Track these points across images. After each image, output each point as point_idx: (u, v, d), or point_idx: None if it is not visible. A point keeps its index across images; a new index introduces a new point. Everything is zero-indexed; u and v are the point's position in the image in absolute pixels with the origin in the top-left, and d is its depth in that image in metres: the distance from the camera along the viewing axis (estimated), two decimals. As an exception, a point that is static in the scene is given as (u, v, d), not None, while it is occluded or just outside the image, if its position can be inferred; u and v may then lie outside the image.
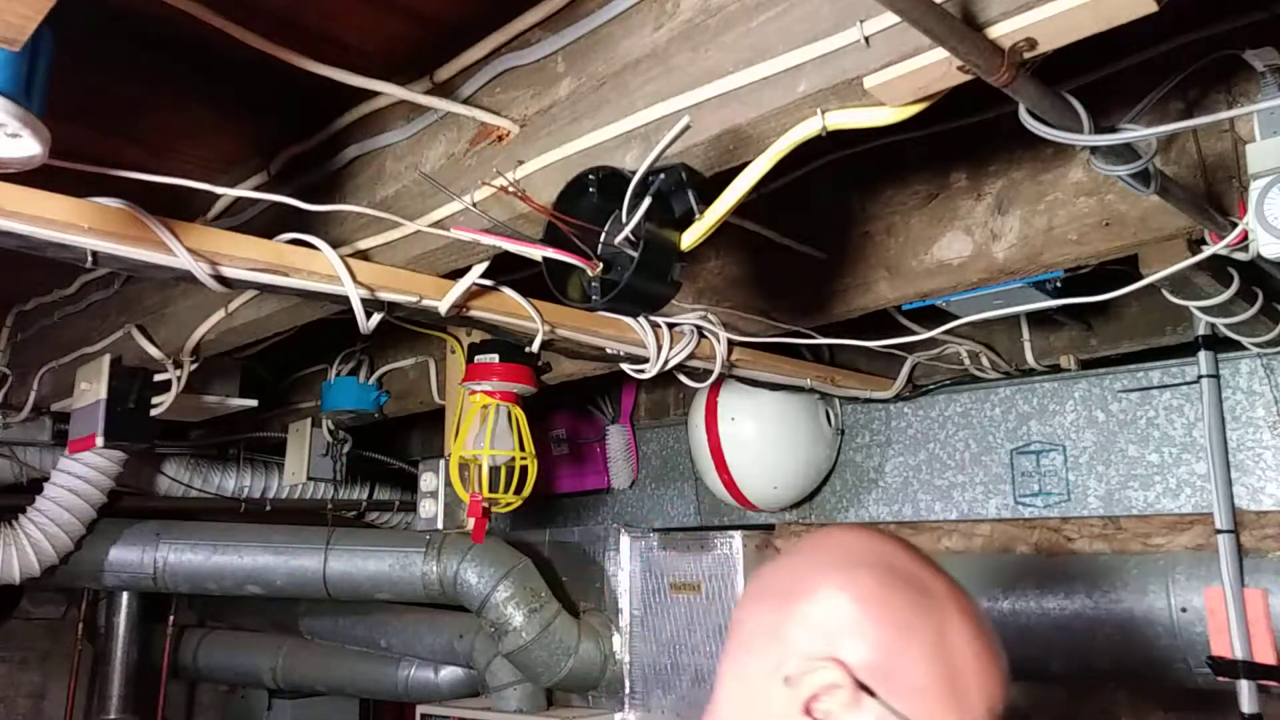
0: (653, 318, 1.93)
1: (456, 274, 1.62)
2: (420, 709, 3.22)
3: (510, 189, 1.33)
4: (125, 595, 3.79)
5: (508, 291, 1.71)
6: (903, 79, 1.04)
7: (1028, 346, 2.49)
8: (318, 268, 1.48)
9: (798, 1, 1.13)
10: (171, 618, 3.97)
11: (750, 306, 2.21)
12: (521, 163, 1.40)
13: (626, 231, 1.21)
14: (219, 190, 1.55)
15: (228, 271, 1.41)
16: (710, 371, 2.09)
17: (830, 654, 0.80)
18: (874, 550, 0.87)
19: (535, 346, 1.80)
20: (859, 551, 0.87)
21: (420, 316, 1.68)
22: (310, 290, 1.50)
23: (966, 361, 2.52)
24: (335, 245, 1.51)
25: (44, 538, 2.71)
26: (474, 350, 2.26)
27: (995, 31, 0.96)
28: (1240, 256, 1.62)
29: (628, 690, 2.95)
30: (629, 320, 1.90)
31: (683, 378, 2.14)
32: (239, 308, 1.82)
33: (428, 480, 3.01)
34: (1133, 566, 2.24)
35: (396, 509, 3.83)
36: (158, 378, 2.10)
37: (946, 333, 2.16)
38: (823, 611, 0.83)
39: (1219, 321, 1.94)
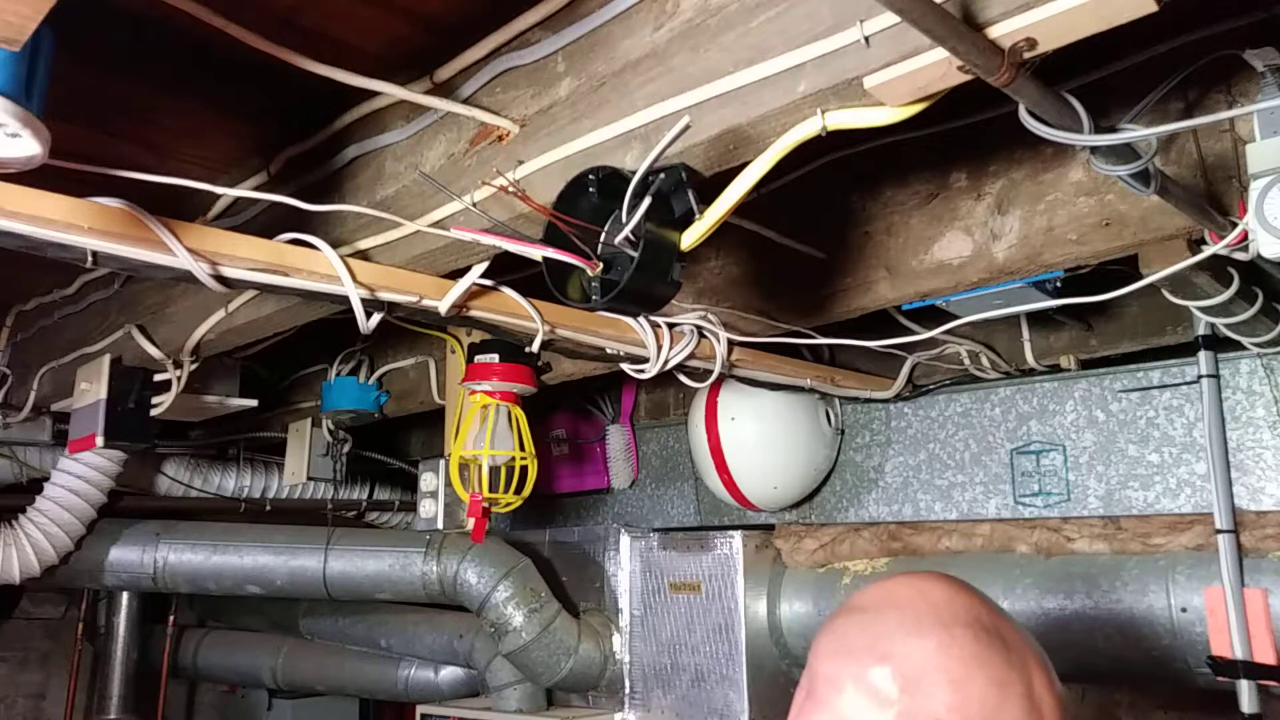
0: (653, 318, 1.93)
1: (456, 274, 1.62)
2: (420, 709, 3.22)
3: (510, 189, 1.33)
4: (125, 595, 3.79)
5: (508, 291, 1.71)
6: (903, 79, 1.04)
7: (1028, 346, 2.49)
8: (318, 268, 1.48)
9: (797, 1, 1.13)
10: (171, 618, 3.97)
11: (750, 306, 2.21)
12: (521, 163, 1.40)
13: (626, 231, 1.21)
14: (219, 190, 1.56)
15: (228, 271, 1.41)
16: (710, 371, 2.09)
17: (936, 714, 0.81)
18: (962, 606, 0.88)
19: (535, 346, 1.80)
20: (950, 609, 0.88)
21: (420, 316, 1.68)
22: (310, 290, 1.50)
23: (966, 361, 2.52)
24: (335, 245, 1.51)
25: (44, 538, 2.71)
26: (474, 350, 2.26)
27: (995, 31, 0.96)
28: (1240, 256, 1.62)
29: (628, 690, 2.95)
30: (629, 320, 1.90)
31: (683, 378, 2.14)
32: (239, 308, 1.82)
33: (428, 480, 3.01)
34: (1133, 566, 2.24)
35: (396, 509, 3.83)
36: (158, 378, 2.10)
37: (946, 333, 2.16)
38: (925, 672, 0.83)
39: (1219, 321, 1.94)
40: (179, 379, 2.06)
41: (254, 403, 2.66)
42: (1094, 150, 1.27)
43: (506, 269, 1.66)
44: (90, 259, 1.31)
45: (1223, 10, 1.54)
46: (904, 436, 2.74)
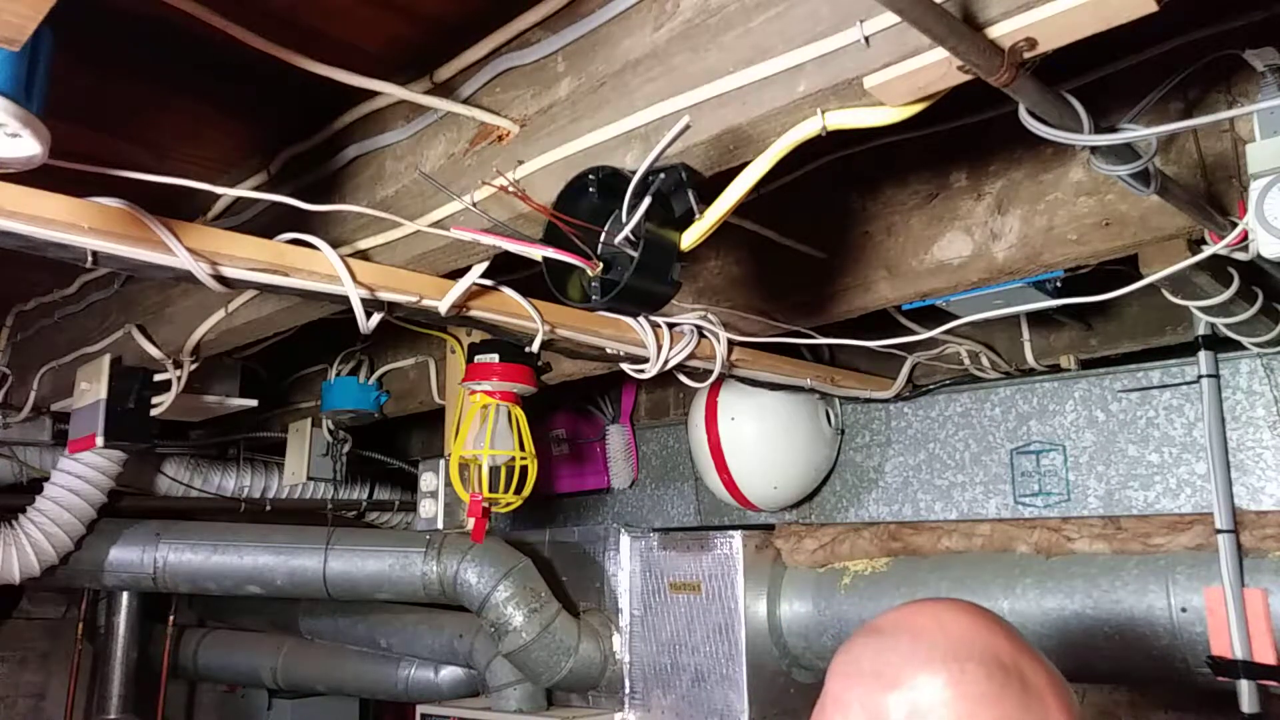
0: (653, 318, 1.93)
1: (456, 274, 1.62)
2: (420, 709, 3.22)
3: (510, 189, 1.33)
4: (125, 595, 3.79)
5: (508, 291, 1.71)
6: (903, 79, 1.04)
7: (1028, 346, 2.49)
8: (318, 268, 1.48)
9: (798, 1, 1.13)
10: (171, 618, 3.97)
11: (750, 306, 2.21)
12: (521, 162, 1.40)
13: (626, 231, 1.21)
14: (219, 190, 1.56)
15: (228, 271, 1.41)
16: (710, 371, 2.09)
17: None
18: (981, 641, 0.86)
19: (535, 346, 1.80)
20: (966, 642, 0.86)
21: (420, 316, 1.68)
22: (310, 290, 1.50)
23: (966, 361, 2.52)
24: (335, 245, 1.51)
25: (44, 538, 2.71)
26: (474, 350, 2.25)
27: (995, 31, 0.96)
28: (1240, 256, 1.62)
29: (628, 690, 2.95)
30: (629, 320, 1.90)
31: (683, 378, 2.14)
32: (239, 308, 1.82)
33: (428, 480, 3.01)
34: (1133, 566, 2.24)
35: (396, 509, 3.83)
36: (158, 378, 2.10)
37: (946, 333, 2.16)
38: (932, 706, 0.82)
39: (1219, 321, 1.94)
40: (179, 379, 2.05)
41: (254, 403, 2.66)
42: (1094, 150, 1.27)
43: (506, 269, 1.66)
44: (90, 259, 1.31)
45: (1223, 10, 1.54)
46: (904, 436, 2.74)
